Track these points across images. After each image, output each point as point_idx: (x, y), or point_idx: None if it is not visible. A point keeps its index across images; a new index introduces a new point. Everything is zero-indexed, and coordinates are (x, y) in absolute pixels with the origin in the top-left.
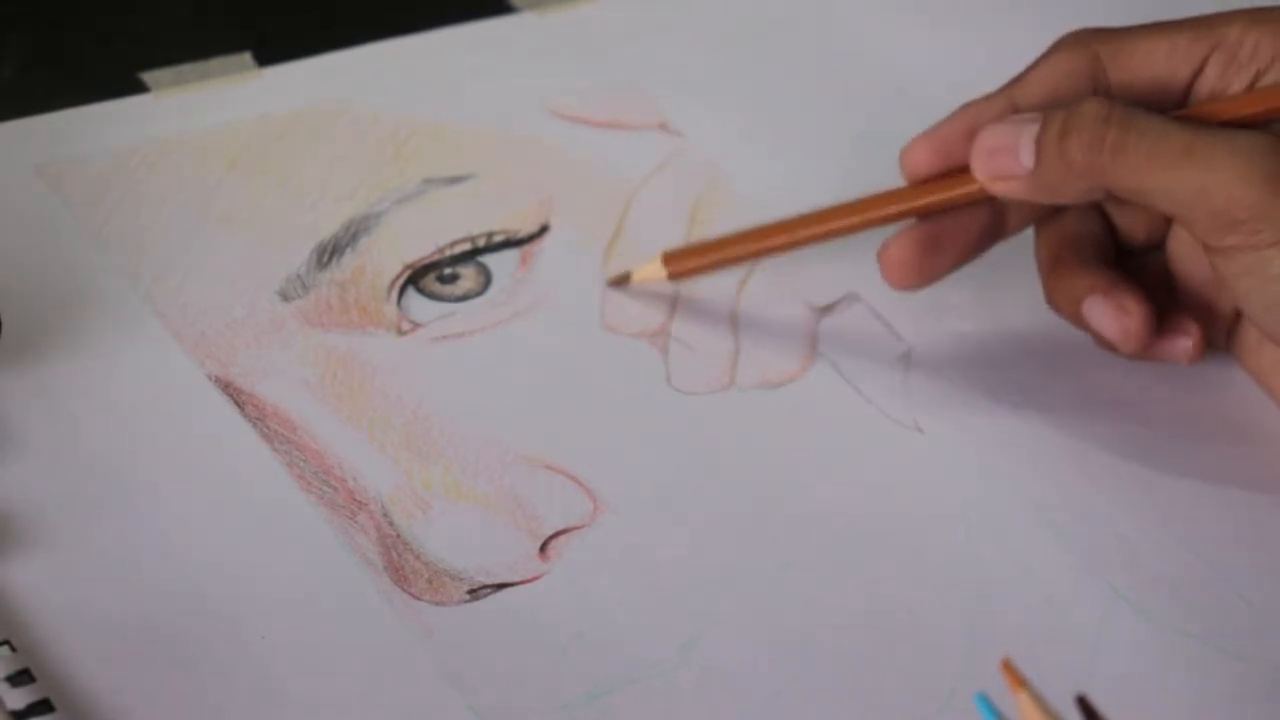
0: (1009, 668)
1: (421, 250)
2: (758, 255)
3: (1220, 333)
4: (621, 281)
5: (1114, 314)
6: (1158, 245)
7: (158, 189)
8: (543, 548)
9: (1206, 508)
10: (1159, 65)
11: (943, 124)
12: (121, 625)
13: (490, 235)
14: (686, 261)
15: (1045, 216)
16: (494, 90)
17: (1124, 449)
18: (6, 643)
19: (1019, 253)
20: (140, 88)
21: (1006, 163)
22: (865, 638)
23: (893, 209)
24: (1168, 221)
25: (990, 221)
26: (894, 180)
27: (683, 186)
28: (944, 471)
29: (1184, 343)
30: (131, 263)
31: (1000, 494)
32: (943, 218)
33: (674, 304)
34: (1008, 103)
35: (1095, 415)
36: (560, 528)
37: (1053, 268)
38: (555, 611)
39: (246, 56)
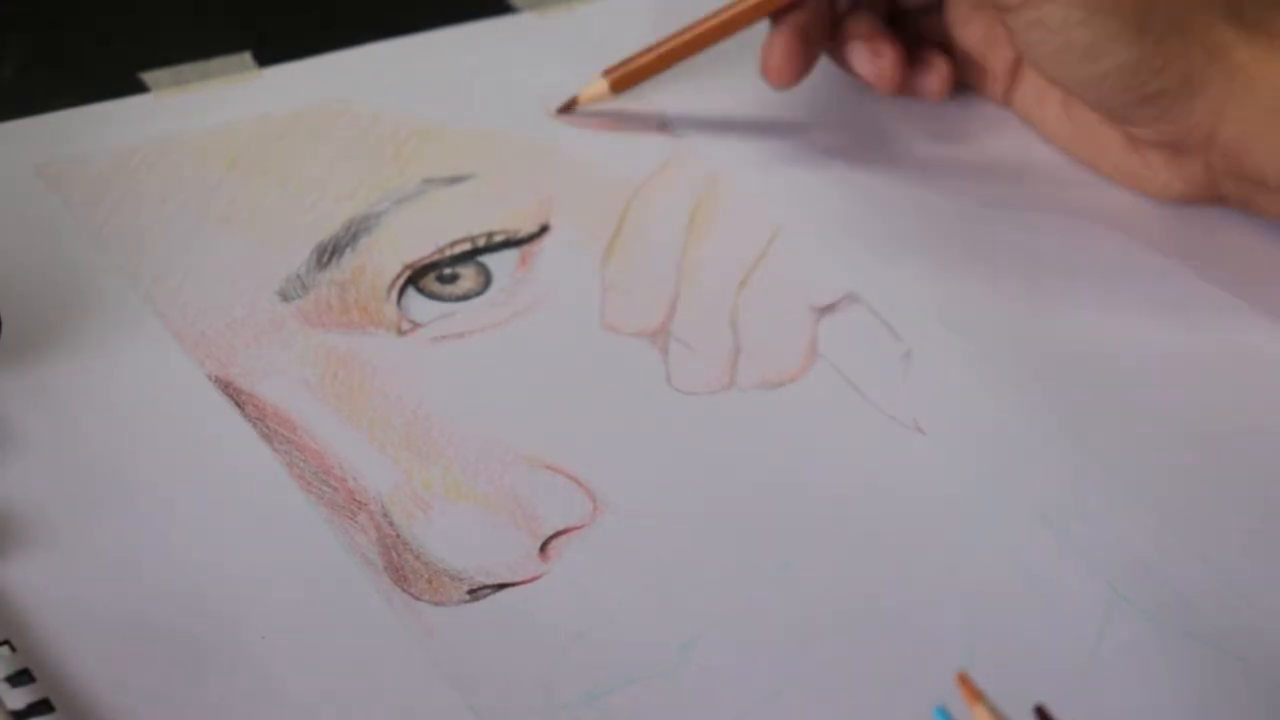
0: (965, 681)
1: (421, 250)
2: (684, 53)
3: (997, 87)
4: (568, 108)
5: (869, 57)
6: (934, 8)
7: (158, 189)
8: (543, 548)
9: (1207, 508)
10: None
11: None
12: (121, 625)
13: (490, 235)
14: (626, 68)
15: None
16: (494, 90)
17: (1124, 449)
18: (6, 643)
19: (1020, 253)
20: (140, 88)
21: None
22: (865, 638)
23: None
24: None
25: (827, 10)
26: (889, 178)
27: (682, 187)
28: (944, 471)
29: (932, 78)
30: (131, 263)
31: (1000, 494)
32: (795, 16)
33: (674, 304)
34: None
35: (1096, 415)
36: (560, 528)
37: (837, 23)
38: (555, 611)
39: (246, 56)
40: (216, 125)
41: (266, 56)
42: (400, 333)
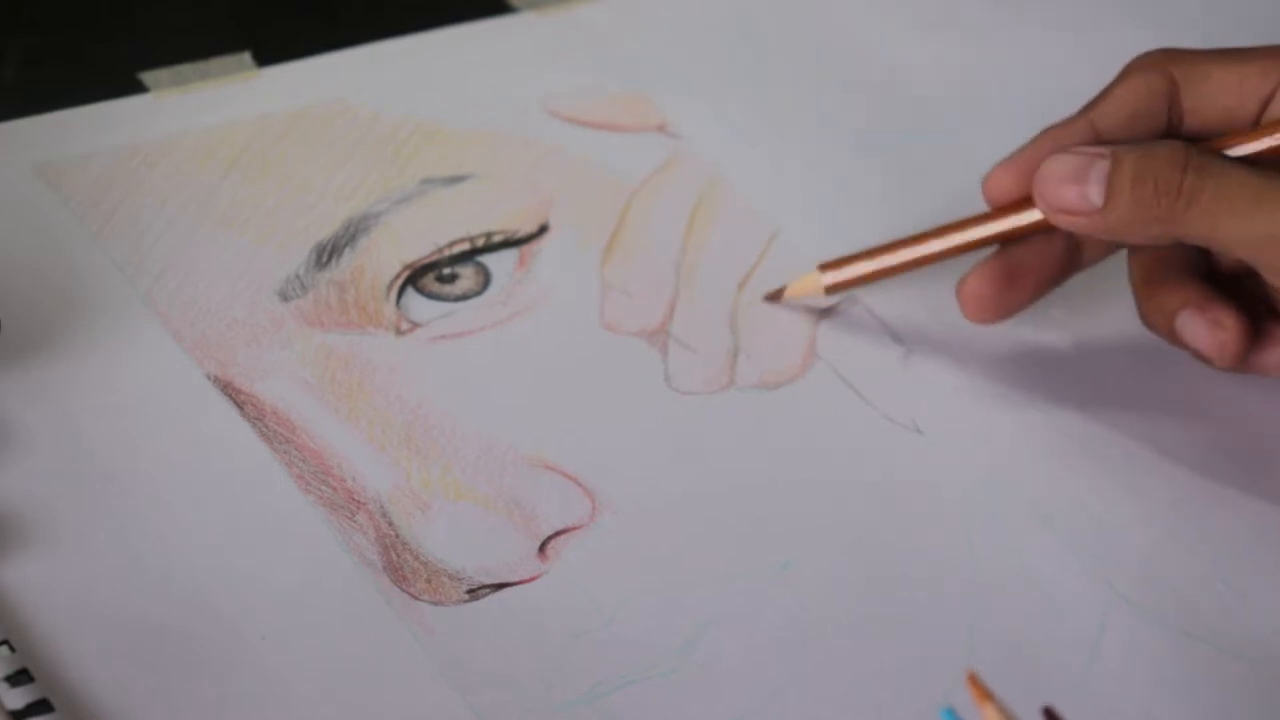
0: (975, 681)
1: (420, 250)
2: (907, 268)
3: None
4: (775, 297)
5: (1208, 329)
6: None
7: (158, 189)
8: (542, 547)
9: (1207, 508)
10: (1230, 93)
11: (1024, 149)
12: (121, 625)
13: (489, 235)
14: (843, 273)
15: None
16: (494, 90)
17: (1124, 450)
18: (6, 643)
19: None
20: (140, 88)
21: (1072, 197)
22: (865, 637)
23: (994, 232)
24: None
25: (1066, 252)
26: (888, 180)
27: (682, 188)
28: (944, 471)
29: (1275, 354)
30: (131, 263)
31: (1000, 494)
32: (1019, 250)
33: (673, 304)
34: (1088, 126)
35: (1095, 416)
36: (559, 528)
37: (1146, 284)
38: (555, 611)
39: (246, 56)
40: (216, 125)
41: (266, 56)
42: (399, 333)
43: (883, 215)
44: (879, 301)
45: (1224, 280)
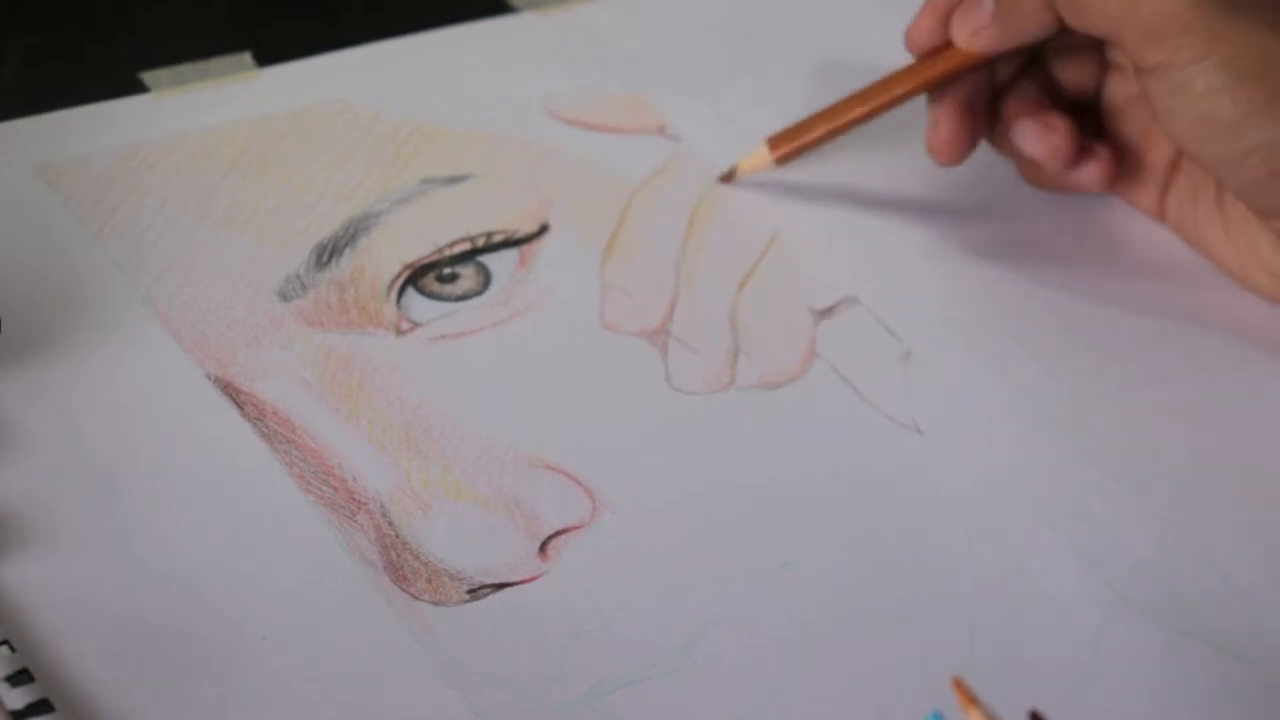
0: (960, 686)
1: (421, 250)
2: (848, 125)
3: (1151, 188)
4: (729, 177)
5: (1040, 132)
6: (1093, 99)
7: (158, 189)
8: (542, 547)
9: (1207, 508)
10: None
11: None
12: (121, 625)
13: (489, 235)
14: (790, 142)
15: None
16: (494, 90)
17: (1124, 450)
18: (6, 643)
19: (1021, 252)
20: (140, 88)
21: (975, 15)
22: (865, 637)
23: (924, 77)
24: (1102, 74)
25: (989, 78)
26: (888, 179)
27: (683, 187)
28: (944, 471)
29: (1093, 167)
30: (131, 263)
31: (1000, 494)
32: (955, 90)
33: (673, 304)
34: None
35: (1095, 416)
36: (559, 527)
37: (991, 104)
38: (555, 611)
39: (246, 56)
40: (216, 125)
41: (266, 56)
42: (399, 333)
43: (883, 214)
44: (879, 301)
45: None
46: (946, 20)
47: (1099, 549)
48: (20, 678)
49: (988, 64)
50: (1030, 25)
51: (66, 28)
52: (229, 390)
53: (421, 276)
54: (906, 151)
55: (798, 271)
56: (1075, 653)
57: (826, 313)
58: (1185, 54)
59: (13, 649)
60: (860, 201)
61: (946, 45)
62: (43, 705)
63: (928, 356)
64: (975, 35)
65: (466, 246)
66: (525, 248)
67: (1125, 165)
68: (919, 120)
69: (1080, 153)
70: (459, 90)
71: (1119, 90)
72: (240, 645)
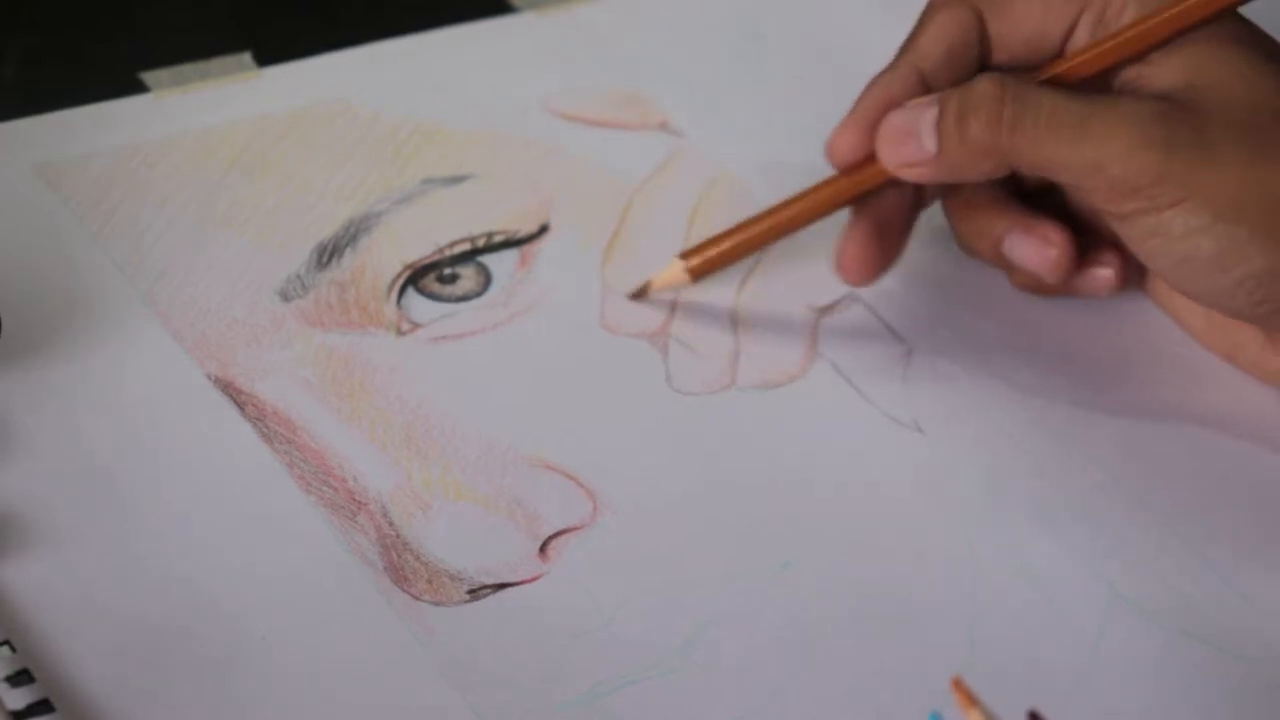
0: (959, 686)
1: (421, 250)
2: (763, 241)
3: (1133, 271)
4: (640, 294)
5: (1037, 246)
6: (1052, 187)
7: (158, 189)
8: (542, 548)
9: (1207, 508)
10: (1034, 22)
11: (858, 106)
12: (121, 625)
13: (490, 235)
14: (704, 255)
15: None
16: (494, 90)
17: (1124, 449)
18: (6, 643)
19: None
20: (140, 88)
21: (910, 150)
22: (865, 637)
23: (845, 193)
24: None
25: (914, 197)
26: None
27: (683, 186)
28: (944, 471)
29: (1104, 273)
30: (131, 263)
31: (1000, 494)
32: (876, 206)
33: (674, 304)
34: (911, 70)
35: (1096, 416)
36: (560, 528)
37: (964, 213)
38: (555, 611)
39: (246, 56)
40: (216, 125)
41: (266, 56)
42: (400, 333)
43: None
44: (880, 301)
45: (1037, 197)
46: (869, 133)
47: (1099, 549)
48: (20, 678)
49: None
50: (974, 172)
51: (66, 28)
52: (229, 390)
53: (422, 277)
54: None
55: (799, 270)
56: (1075, 653)
57: (827, 311)
58: (1161, 200)
59: (13, 649)
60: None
61: (869, 158)
62: (43, 705)
63: (929, 355)
64: (908, 169)
65: (467, 247)
66: (526, 248)
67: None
68: None
69: (1081, 261)
70: (459, 90)
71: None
72: (240, 645)
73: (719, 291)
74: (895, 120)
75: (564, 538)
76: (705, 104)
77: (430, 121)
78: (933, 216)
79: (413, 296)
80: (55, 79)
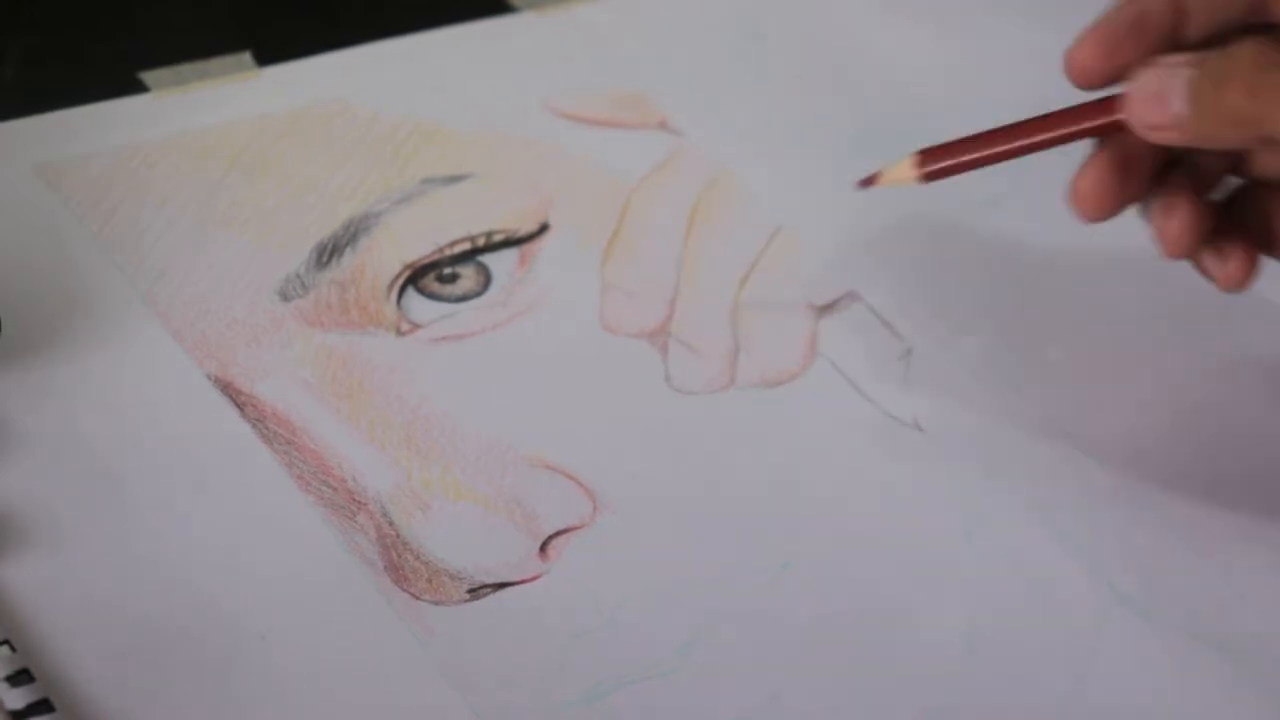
0: None
1: (421, 250)
2: (1005, 157)
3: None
4: (870, 182)
5: (1160, 212)
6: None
7: (158, 189)
8: (542, 547)
9: (1207, 508)
10: None
11: (1106, 18)
12: (121, 625)
13: (490, 235)
14: (940, 161)
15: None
16: (494, 90)
17: (1124, 449)
18: (6, 643)
19: (1024, 250)
20: (140, 88)
21: (1160, 113)
22: (865, 638)
23: (1089, 128)
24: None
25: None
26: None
27: (683, 185)
28: (944, 471)
29: (1222, 268)
30: (131, 263)
31: (1000, 494)
32: (1124, 140)
33: (674, 303)
34: None
35: (1095, 415)
36: (560, 528)
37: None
38: (555, 611)
39: (246, 56)
40: (216, 125)
41: (266, 56)
42: (400, 333)
43: (884, 212)
44: (880, 299)
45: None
46: (1115, 47)
47: (1099, 549)
48: (20, 678)
49: None
50: (1225, 140)
51: (66, 28)
52: (229, 390)
53: (422, 277)
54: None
55: (798, 268)
56: (1075, 653)
57: (827, 310)
58: None
59: (13, 649)
60: (861, 197)
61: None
62: (43, 705)
63: (929, 354)
64: (1154, 130)
65: (467, 246)
66: (525, 247)
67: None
68: (921, 116)
69: (1214, 247)
70: (459, 90)
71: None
72: (240, 645)
73: (719, 290)
74: (1146, 79)
75: (564, 537)
76: (705, 104)
77: (430, 121)
78: (937, 213)
79: (413, 296)
80: (55, 79)
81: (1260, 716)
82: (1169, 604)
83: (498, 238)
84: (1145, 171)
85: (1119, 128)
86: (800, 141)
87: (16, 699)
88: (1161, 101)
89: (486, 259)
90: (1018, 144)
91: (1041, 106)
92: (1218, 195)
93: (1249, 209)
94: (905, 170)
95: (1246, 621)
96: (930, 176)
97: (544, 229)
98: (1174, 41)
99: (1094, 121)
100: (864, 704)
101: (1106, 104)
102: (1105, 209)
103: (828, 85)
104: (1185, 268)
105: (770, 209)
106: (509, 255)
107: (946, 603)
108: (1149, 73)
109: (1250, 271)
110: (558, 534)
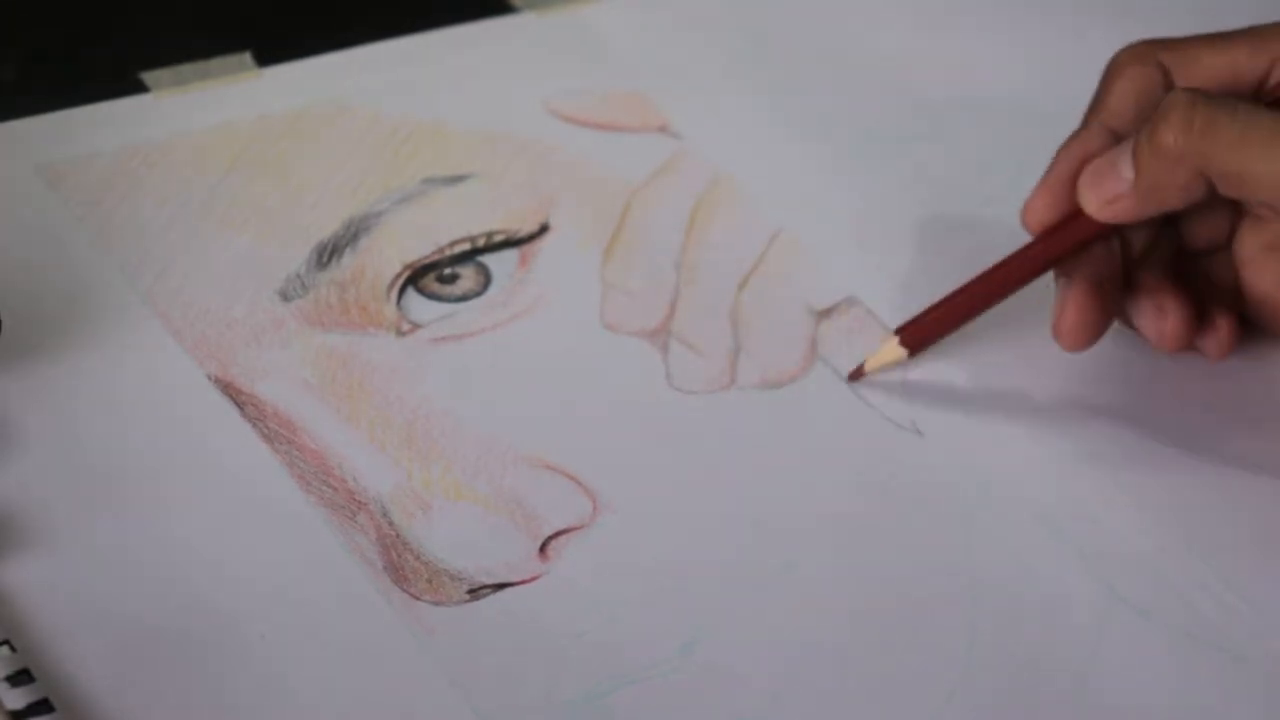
0: None
1: (421, 250)
2: (974, 311)
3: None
4: (858, 374)
5: (1154, 315)
6: (1220, 248)
7: (158, 189)
8: (542, 548)
9: (1206, 508)
10: (1222, 76)
11: (1051, 171)
12: (121, 625)
13: (490, 235)
14: (918, 330)
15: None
16: (494, 90)
17: (1123, 449)
18: (6, 643)
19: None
20: (140, 88)
21: (1110, 184)
22: (865, 638)
23: (1053, 250)
24: (1232, 227)
25: (1121, 255)
26: (889, 180)
27: (683, 188)
28: (944, 472)
29: (1211, 342)
30: (131, 263)
31: (1000, 494)
32: (1086, 268)
33: (674, 303)
34: (1102, 129)
35: (1094, 416)
36: (560, 528)
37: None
38: (555, 611)
39: (246, 56)
40: (216, 125)
41: (266, 56)
42: (400, 333)
43: (884, 214)
44: (880, 302)
45: (1189, 270)
46: (1066, 194)
47: (1099, 549)
48: (20, 678)
49: (1117, 230)
50: (1175, 197)
51: (67, 28)
52: (229, 390)
53: (422, 277)
54: (908, 148)
55: (798, 271)
56: (1075, 653)
57: (827, 313)
58: None
59: (13, 649)
60: (861, 199)
61: (1071, 216)
62: (43, 705)
63: (927, 358)
64: (1109, 205)
65: (467, 246)
66: (526, 248)
67: (1263, 311)
68: (921, 117)
69: (1197, 329)
70: (459, 90)
71: (1253, 240)
72: (240, 645)
73: (719, 290)
74: (1095, 163)
75: (564, 538)
76: (705, 106)
77: (430, 121)
78: (937, 215)
79: (413, 296)
80: (55, 79)
81: (1260, 716)
82: (1169, 604)
83: (498, 238)
84: (1117, 287)
85: (1079, 237)
86: (801, 142)
87: (16, 699)
88: (1109, 174)
89: (486, 259)
90: (983, 291)
91: (1039, 106)
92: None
93: (1197, 277)
94: (891, 351)
95: (1246, 621)
96: (914, 347)
97: (544, 229)
98: None
99: (1056, 243)
100: (864, 704)
101: (1053, 230)
102: (1090, 336)
103: (828, 87)
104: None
105: (770, 212)
106: (509, 255)
107: (946, 603)
108: (1095, 161)
109: (1187, 332)
110: (558, 534)
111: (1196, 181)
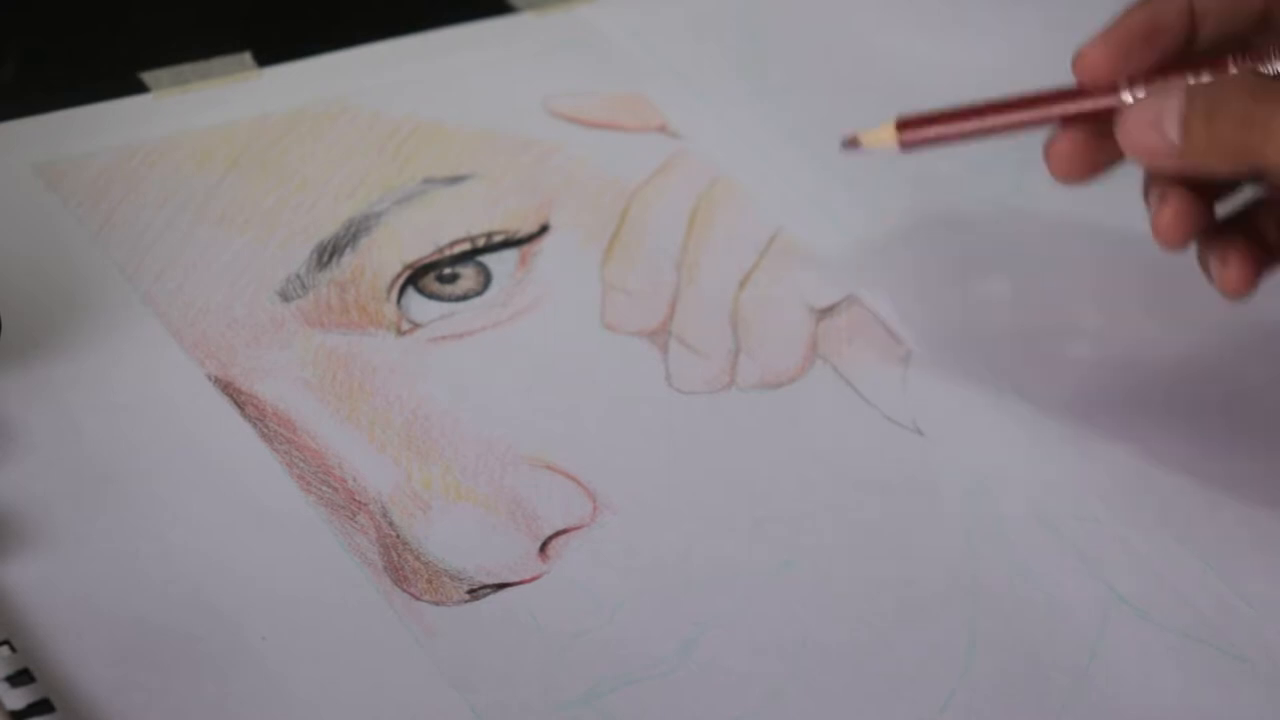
0: None
1: (421, 250)
2: (981, 134)
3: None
4: (853, 143)
5: (1155, 198)
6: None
7: (158, 189)
8: (542, 548)
9: (1206, 508)
10: None
11: (1119, 22)
12: (121, 625)
13: (490, 235)
14: (920, 130)
15: None
16: (494, 90)
17: (1123, 449)
18: (6, 643)
19: (1022, 252)
20: (140, 88)
21: (1152, 141)
22: (865, 637)
23: (1078, 111)
24: None
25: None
26: (889, 180)
27: (682, 188)
28: (944, 472)
29: (1219, 273)
30: (131, 263)
31: (1000, 494)
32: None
33: (674, 303)
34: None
35: (1095, 416)
36: (560, 528)
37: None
38: (555, 611)
39: (246, 56)
40: (216, 125)
41: (266, 56)
42: (400, 333)
43: (884, 214)
44: (880, 301)
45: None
46: (1123, 52)
47: (1099, 549)
48: (20, 678)
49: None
50: (1216, 170)
51: (66, 28)
52: (229, 390)
53: (422, 277)
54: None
55: (798, 271)
56: (1075, 653)
57: (827, 312)
58: None
59: (13, 649)
60: (861, 200)
61: (1111, 86)
62: (43, 705)
63: (928, 357)
64: (1147, 157)
65: (467, 246)
66: (526, 248)
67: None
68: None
69: (1214, 246)
70: (459, 90)
71: None
72: (240, 645)
73: (719, 290)
74: (1139, 110)
75: (564, 538)
76: (705, 106)
77: (430, 121)
78: (937, 215)
79: (413, 296)
80: (55, 79)
81: (1260, 716)
82: (1169, 604)
83: (498, 238)
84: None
85: (1104, 118)
86: (800, 143)
87: (16, 699)
88: (1155, 129)
89: (486, 259)
90: (1001, 120)
91: None
92: (1232, 206)
93: (1262, 219)
94: (886, 136)
95: (1246, 621)
96: (909, 144)
97: (544, 229)
98: (1186, 48)
99: (1082, 106)
100: (864, 704)
101: (1092, 90)
102: (1083, 169)
103: (828, 87)
104: (1190, 271)
105: (770, 212)
106: (509, 255)
107: (946, 603)
108: (1144, 101)
109: (1250, 279)
110: (558, 534)
111: (1245, 169)
